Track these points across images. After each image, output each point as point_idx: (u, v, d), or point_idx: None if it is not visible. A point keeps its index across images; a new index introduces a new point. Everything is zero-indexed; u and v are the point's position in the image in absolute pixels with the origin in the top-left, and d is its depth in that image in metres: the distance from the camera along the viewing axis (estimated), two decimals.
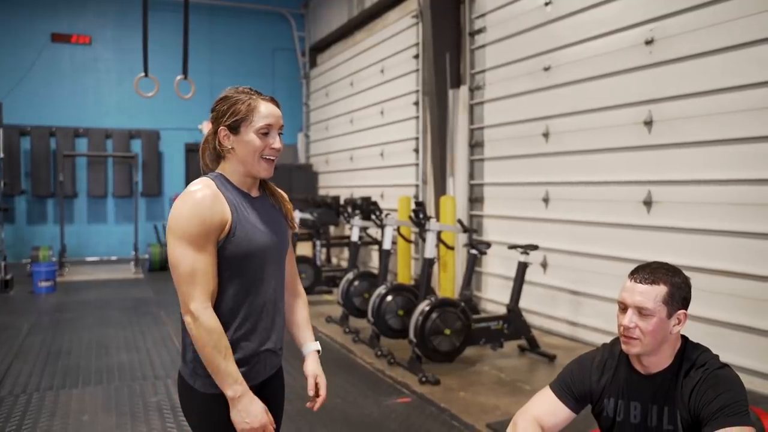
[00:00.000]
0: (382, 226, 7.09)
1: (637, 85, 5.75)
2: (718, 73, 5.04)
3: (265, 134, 2.00)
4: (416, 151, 9.53)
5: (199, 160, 2.14)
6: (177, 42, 8.73)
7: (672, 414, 2.07)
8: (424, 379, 5.09)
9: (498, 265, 7.71)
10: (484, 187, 8.08)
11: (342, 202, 9.75)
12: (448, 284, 7.74)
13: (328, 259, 10.93)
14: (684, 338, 2.16)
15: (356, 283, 6.90)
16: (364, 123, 11.41)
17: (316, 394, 2.23)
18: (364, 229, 8.20)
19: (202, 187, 1.95)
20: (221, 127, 2.00)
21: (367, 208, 7.46)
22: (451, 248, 6.72)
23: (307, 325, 2.30)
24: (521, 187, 7.34)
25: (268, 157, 2.02)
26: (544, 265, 6.94)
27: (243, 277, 1.99)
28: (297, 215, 9.12)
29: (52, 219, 12.94)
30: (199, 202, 1.91)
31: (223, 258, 1.96)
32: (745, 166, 4.86)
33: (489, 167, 8.00)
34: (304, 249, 10.03)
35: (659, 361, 2.10)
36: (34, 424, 4.29)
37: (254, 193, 2.10)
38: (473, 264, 6.35)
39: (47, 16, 12.76)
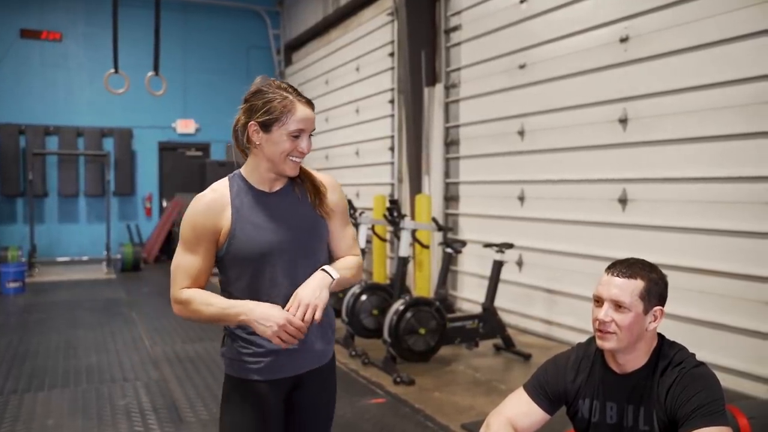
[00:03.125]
0: (356, 225, 7.02)
1: (612, 83, 5.75)
2: (692, 71, 5.05)
3: (296, 137, 1.95)
4: (392, 149, 9.47)
5: (234, 150, 2.09)
6: (150, 39, 8.60)
7: (648, 414, 2.03)
8: (398, 379, 5.03)
9: (474, 264, 7.68)
10: (460, 186, 8.05)
11: None
12: (423, 283, 7.70)
13: None
14: (660, 337, 2.13)
15: None
16: (339, 121, 11.33)
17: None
18: None
19: (208, 192, 2.03)
20: (252, 122, 1.95)
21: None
22: (426, 247, 6.68)
23: (338, 262, 2.12)
24: (497, 185, 7.32)
25: (294, 159, 1.99)
26: (519, 263, 6.93)
27: (248, 277, 2.01)
28: None
29: (21, 218, 12.64)
30: (196, 207, 2.00)
31: (227, 259, 2.02)
32: (720, 164, 4.87)
33: (464, 165, 7.97)
34: None
35: (635, 360, 2.07)
36: None
37: (276, 187, 2.06)
38: (448, 263, 6.31)
39: (16, 11, 12.46)
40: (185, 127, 13.76)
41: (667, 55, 5.26)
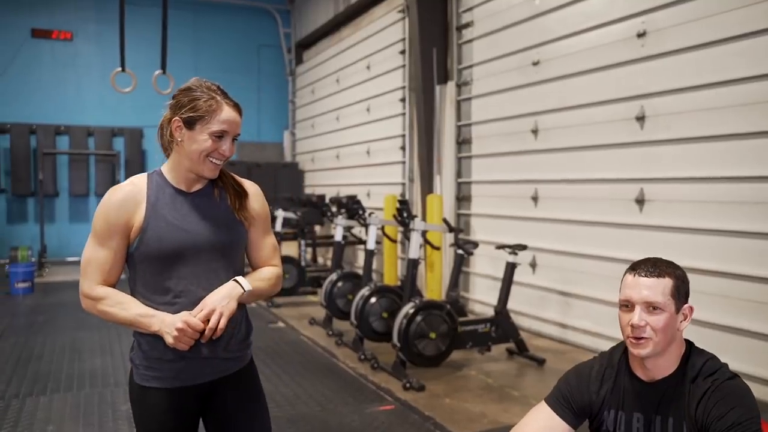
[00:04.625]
0: (365, 226, 6.88)
1: (629, 80, 5.57)
2: (713, 67, 4.87)
3: (219, 137, 1.95)
4: (403, 148, 9.33)
5: (158, 141, 2.08)
6: (160, 38, 8.50)
7: (678, 425, 1.89)
8: (408, 385, 4.89)
9: (486, 266, 7.52)
10: (472, 185, 7.89)
11: (327, 200, 9.53)
12: (434, 285, 7.55)
13: (314, 259, 10.71)
14: (689, 343, 1.98)
15: (340, 284, 6.69)
16: (350, 120, 11.20)
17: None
18: (348, 228, 8.00)
19: (125, 185, 2.00)
20: (176, 118, 1.94)
21: (352, 207, 7.25)
22: (438, 248, 6.52)
23: (252, 274, 2.11)
24: (510, 185, 7.15)
25: (214, 161, 1.97)
26: (533, 265, 6.76)
27: (158, 276, 1.96)
28: (280, 214, 8.90)
29: (32, 218, 12.64)
30: (110, 199, 1.96)
31: (137, 256, 1.97)
32: (741, 163, 4.69)
33: (477, 165, 7.81)
34: (289, 249, 9.82)
35: (665, 365, 1.93)
36: None
37: (195, 187, 2.03)
38: (460, 264, 6.15)
39: (27, 11, 12.46)
40: None
41: (686, 50, 5.08)
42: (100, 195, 12.91)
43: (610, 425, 2.02)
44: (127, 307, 1.93)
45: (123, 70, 7.18)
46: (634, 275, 1.91)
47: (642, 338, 1.87)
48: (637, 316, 1.88)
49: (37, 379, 5.22)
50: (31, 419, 4.34)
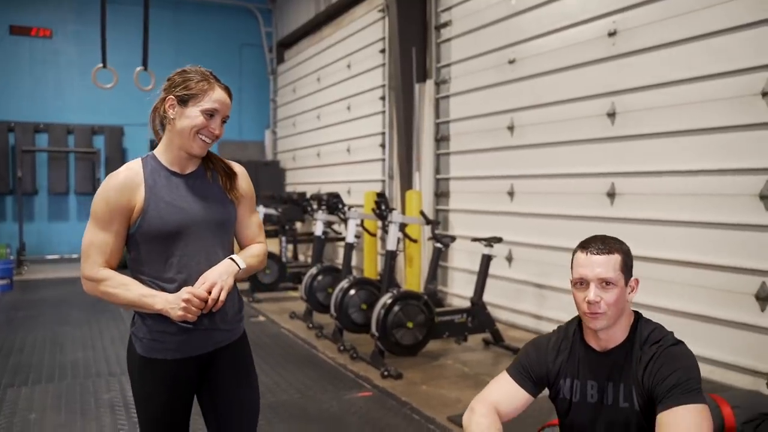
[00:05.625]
0: (345, 220, 6.99)
1: (601, 77, 5.74)
2: (680, 64, 5.04)
3: (210, 116, 2.06)
4: (383, 146, 9.45)
5: (149, 126, 2.18)
6: (141, 37, 8.54)
7: (628, 391, 2.03)
8: (386, 373, 5.01)
9: (464, 260, 7.66)
10: (450, 182, 8.03)
11: (308, 197, 9.62)
12: (413, 279, 7.68)
13: (295, 256, 10.78)
14: (636, 313, 2.13)
15: (320, 277, 6.80)
16: (331, 119, 11.31)
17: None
18: (329, 224, 8.10)
19: (122, 170, 2.08)
20: (170, 96, 2.06)
21: (332, 203, 7.36)
22: (415, 241, 6.65)
23: (244, 251, 2.25)
24: (487, 180, 7.30)
25: (204, 138, 2.08)
26: (509, 258, 6.91)
27: (159, 254, 2.07)
28: (261, 210, 8.98)
29: (11, 216, 12.57)
30: (109, 184, 2.04)
31: (139, 236, 2.06)
32: (708, 157, 4.86)
33: (455, 161, 7.95)
34: (270, 245, 9.87)
35: (616, 335, 2.07)
36: None
37: (188, 169, 2.15)
38: (438, 257, 6.28)
39: (6, 7, 12.40)
40: None
41: (654, 48, 5.25)
42: (79, 193, 12.89)
43: (566, 393, 2.16)
44: (130, 288, 2.02)
45: (104, 66, 7.20)
46: (586, 253, 2.05)
47: (597, 312, 2.01)
48: (593, 292, 2.01)
49: (19, 371, 5.26)
50: (13, 408, 4.39)
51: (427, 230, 7.50)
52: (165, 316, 2.03)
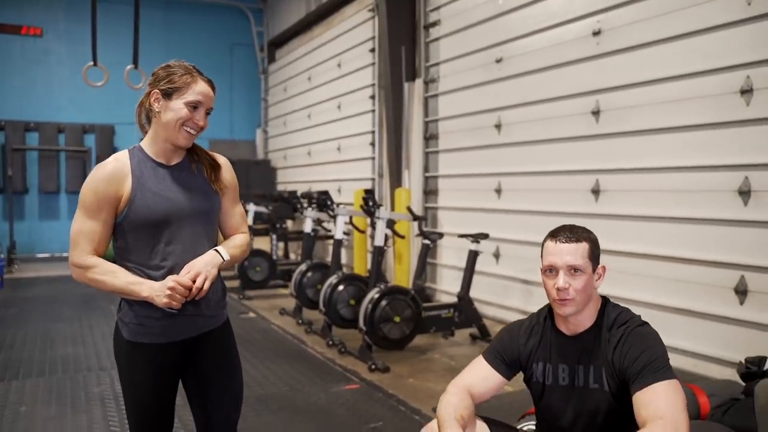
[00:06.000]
0: (334, 217, 7.07)
1: (585, 76, 5.83)
2: (662, 63, 5.14)
3: (194, 108, 2.14)
4: (372, 144, 9.52)
5: (136, 121, 2.27)
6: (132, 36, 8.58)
7: (597, 373, 2.11)
8: (373, 366, 5.08)
9: (453, 257, 7.74)
10: (439, 179, 8.11)
11: (298, 195, 9.68)
12: (403, 276, 7.76)
13: (287, 254, 10.84)
14: (604, 298, 2.21)
15: (309, 274, 6.86)
16: (321, 117, 11.37)
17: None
18: (319, 222, 8.16)
19: (110, 161, 2.16)
20: (155, 90, 2.13)
21: (321, 200, 7.43)
22: (402, 237, 6.73)
23: (227, 242, 2.32)
24: (475, 178, 7.39)
25: (189, 130, 2.15)
26: (496, 255, 7.00)
27: (146, 243, 2.13)
28: (252, 208, 9.04)
29: (1, 215, 12.56)
30: (98, 174, 2.12)
31: (126, 224, 2.12)
32: (689, 154, 4.96)
33: (443, 159, 8.04)
34: (261, 244, 9.94)
35: (584, 320, 2.15)
36: None
37: (174, 161, 2.22)
38: (426, 254, 6.36)
39: None
40: None
41: (637, 47, 5.35)
42: (70, 192, 12.90)
43: (539, 377, 2.25)
44: (117, 275, 2.09)
45: (95, 64, 7.23)
46: (556, 242, 2.13)
47: (567, 299, 2.09)
48: (562, 279, 2.09)
49: (9, 366, 5.30)
50: (4, 401, 4.43)
51: (416, 227, 7.58)
52: (145, 304, 2.11)
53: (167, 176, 2.18)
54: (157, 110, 2.14)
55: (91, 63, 7.22)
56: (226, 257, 2.21)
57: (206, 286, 2.11)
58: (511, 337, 2.31)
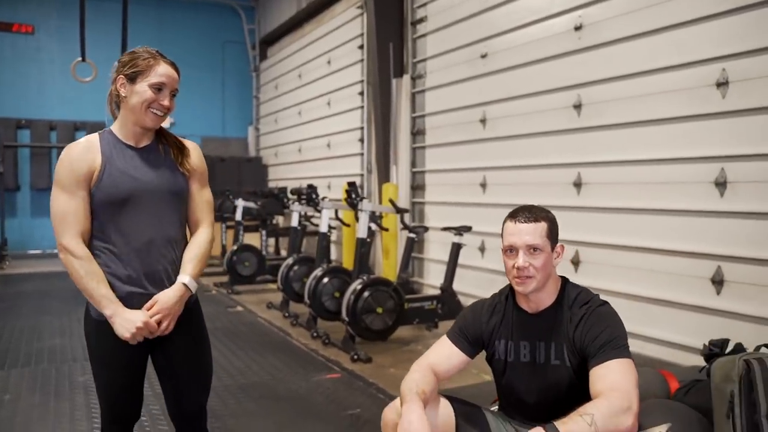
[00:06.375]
0: (319, 210, 7.13)
1: (567, 70, 5.90)
2: (642, 57, 5.20)
3: (158, 90, 2.20)
4: (361, 140, 9.58)
5: (107, 109, 2.34)
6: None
7: (558, 349, 2.18)
8: (355, 356, 5.14)
9: (439, 251, 7.79)
10: (426, 174, 8.17)
11: (289, 192, 9.74)
12: (390, 270, 7.81)
13: (278, 250, 10.89)
14: (563, 278, 2.27)
15: (296, 267, 6.92)
16: (311, 114, 11.43)
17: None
18: (307, 217, 8.21)
19: (80, 141, 2.24)
20: (120, 76, 2.20)
21: (307, 194, 7.48)
22: (386, 229, 6.79)
23: (188, 262, 2.32)
24: (460, 173, 7.45)
25: (155, 111, 2.22)
26: (481, 249, 7.06)
27: (111, 218, 2.20)
28: (240, 204, 9.11)
29: None
30: (70, 153, 2.19)
31: (94, 202, 2.19)
32: (668, 146, 5.02)
33: (430, 154, 8.10)
34: (251, 239, 9.99)
35: (545, 298, 2.22)
36: None
37: (142, 143, 2.29)
38: (411, 247, 6.42)
39: None
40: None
41: (618, 41, 5.41)
42: None
43: (501, 354, 2.31)
44: (96, 279, 2.15)
45: (83, 60, 7.28)
46: (515, 222, 2.20)
47: (527, 277, 2.16)
48: (521, 258, 2.16)
49: None
50: None
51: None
52: (113, 281, 2.18)
53: (135, 157, 2.25)
54: (123, 95, 2.21)
55: (80, 58, 7.24)
56: (194, 288, 2.29)
57: (171, 327, 2.22)
58: (473, 315, 2.37)
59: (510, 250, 2.21)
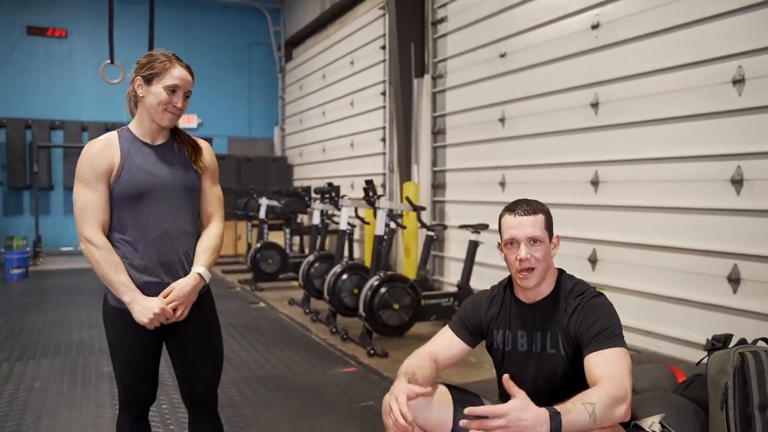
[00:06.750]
0: (338, 208, 7.25)
1: (585, 69, 5.92)
2: (658, 55, 5.21)
3: (173, 91, 2.32)
4: (383, 140, 9.68)
5: (126, 107, 2.47)
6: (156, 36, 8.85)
7: (554, 338, 2.25)
8: (372, 351, 5.24)
9: (459, 250, 7.84)
10: (446, 173, 8.24)
11: (313, 191, 9.88)
12: (411, 268, 7.90)
13: (302, 249, 11.04)
14: (560, 269, 2.34)
15: (316, 264, 7.03)
16: (335, 114, 11.57)
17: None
18: (329, 215, 8.34)
19: (101, 138, 2.37)
20: (138, 77, 2.33)
21: (329, 193, 7.60)
22: (404, 227, 6.87)
23: (202, 253, 2.45)
24: (480, 171, 7.50)
25: (169, 111, 2.35)
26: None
27: (129, 212, 2.32)
28: (264, 202, 9.27)
29: (27, 210, 12.98)
30: (91, 150, 2.32)
31: (113, 196, 2.31)
32: (684, 144, 5.02)
33: (450, 153, 8.16)
34: (275, 238, 10.15)
35: (543, 289, 2.28)
36: None
37: (158, 141, 2.41)
38: (429, 245, 6.49)
39: (23, 8, 12.80)
40: (188, 121, 14.02)
41: (634, 39, 5.42)
42: None
43: (499, 343, 2.39)
44: (116, 268, 2.27)
45: (112, 62, 7.50)
46: (515, 215, 2.27)
47: (530, 269, 2.22)
48: (524, 251, 2.23)
49: (28, 348, 5.57)
50: (19, 379, 4.69)
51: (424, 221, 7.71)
52: (130, 271, 2.30)
53: (152, 154, 2.38)
54: (140, 95, 2.35)
55: (108, 61, 7.46)
56: (208, 277, 2.42)
57: (185, 314, 2.36)
58: (474, 306, 2.45)
59: (511, 243, 2.27)
